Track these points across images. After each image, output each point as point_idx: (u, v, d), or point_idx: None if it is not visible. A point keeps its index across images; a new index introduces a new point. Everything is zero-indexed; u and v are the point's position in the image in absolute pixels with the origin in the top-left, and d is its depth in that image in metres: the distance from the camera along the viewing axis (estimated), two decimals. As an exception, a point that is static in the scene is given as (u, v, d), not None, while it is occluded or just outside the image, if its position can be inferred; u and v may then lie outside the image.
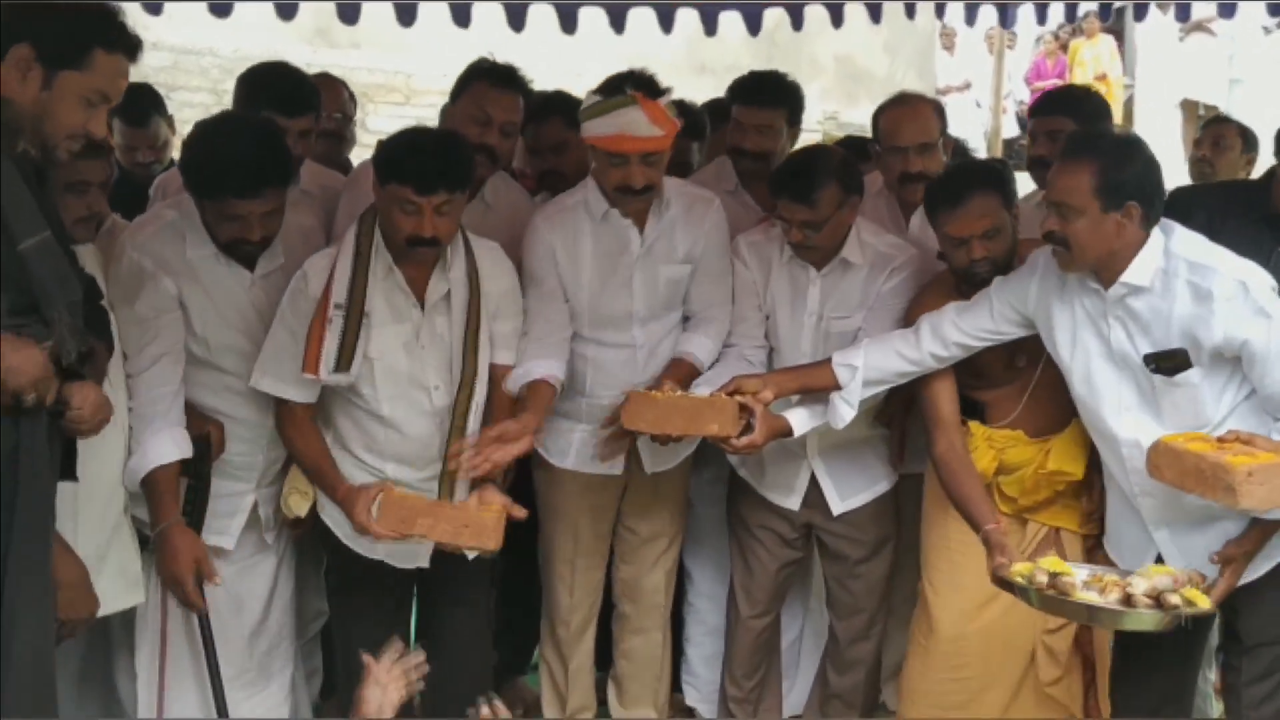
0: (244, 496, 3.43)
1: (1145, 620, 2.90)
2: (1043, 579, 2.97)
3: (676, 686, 4.18)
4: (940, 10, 6.02)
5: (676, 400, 3.36)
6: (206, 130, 3.28)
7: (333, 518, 3.40)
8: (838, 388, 3.42)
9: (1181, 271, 3.01)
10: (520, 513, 3.22)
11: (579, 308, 3.61)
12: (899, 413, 3.75)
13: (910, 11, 5.77)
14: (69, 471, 2.65)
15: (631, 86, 3.44)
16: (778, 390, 3.45)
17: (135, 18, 4.49)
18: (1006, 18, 6.04)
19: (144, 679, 3.37)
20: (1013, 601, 3.46)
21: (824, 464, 3.76)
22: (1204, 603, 2.91)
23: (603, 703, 4.08)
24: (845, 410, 3.43)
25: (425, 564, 3.43)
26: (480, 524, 3.08)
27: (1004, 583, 3.11)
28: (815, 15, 5.62)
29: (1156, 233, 3.05)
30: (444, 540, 3.11)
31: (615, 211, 3.59)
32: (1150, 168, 3.05)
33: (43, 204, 2.51)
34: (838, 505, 3.78)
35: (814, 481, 3.78)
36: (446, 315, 3.31)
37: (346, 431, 3.40)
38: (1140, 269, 3.03)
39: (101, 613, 2.98)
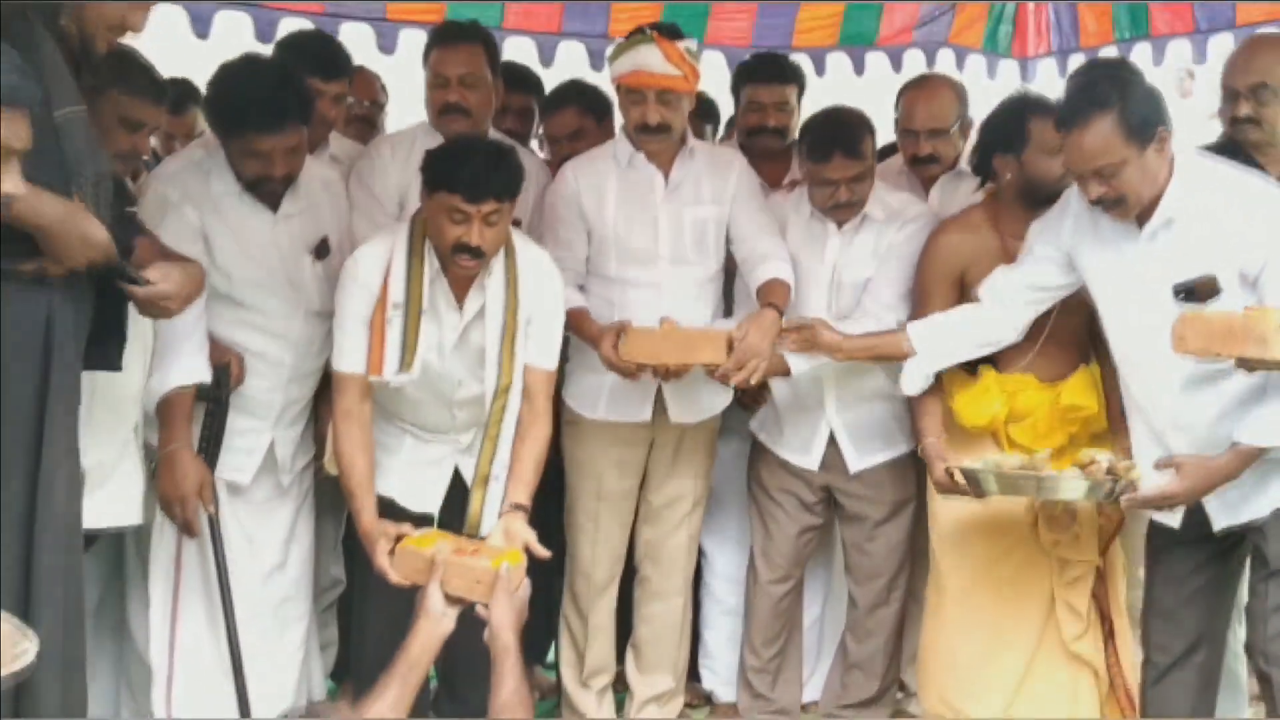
0: (261, 434, 3.47)
1: (1076, 488, 3.09)
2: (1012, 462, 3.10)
3: (694, 676, 4.13)
4: (959, 63, 6.17)
5: (673, 331, 3.50)
6: (229, 71, 3.39)
7: None
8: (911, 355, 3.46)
9: (1205, 195, 3.02)
10: (543, 552, 3.20)
11: (605, 244, 3.68)
12: None
13: (930, 61, 5.92)
14: (114, 360, 2.71)
15: (652, 29, 3.56)
16: (847, 355, 3.52)
17: (183, 48, 4.72)
18: (1026, 74, 6.22)
19: (157, 606, 3.38)
20: (1024, 560, 3.50)
21: (842, 421, 3.79)
22: (1135, 477, 3.09)
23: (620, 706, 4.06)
24: (918, 381, 3.46)
25: (434, 510, 3.45)
26: (492, 583, 3.00)
27: (952, 483, 3.28)
28: (837, 62, 5.80)
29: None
30: (458, 594, 3.06)
31: (641, 156, 3.68)
32: (1151, 88, 3.07)
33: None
34: (855, 463, 3.80)
35: (832, 442, 3.80)
36: (481, 323, 3.32)
37: (378, 393, 3.42)
38: (1171, 200, 3.04)
39: (94, 526, 2.94)
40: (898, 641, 3.96)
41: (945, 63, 6.02)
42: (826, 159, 3.61)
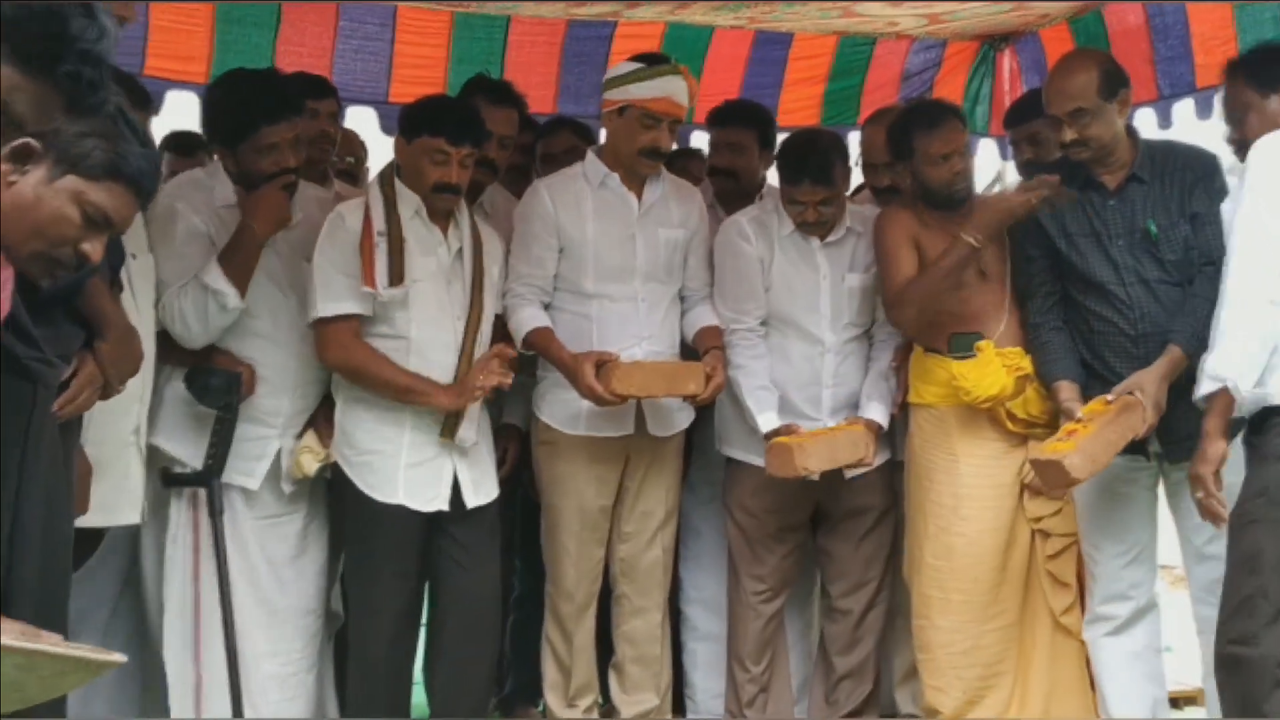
0: (269, 442, 3.61)
1: None
2: None
3: (678, 709, 4.19)
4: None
5: (657, 366, 3.74)
6: (221, 83, 3.73)
7: (351, 464, 3.59)
8: None
9: None
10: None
11: (584, 262, 3.83)
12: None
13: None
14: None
15: (675, 61, 3.85)
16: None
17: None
18: (1005, 151, 6.46)
19: (174, 614, 3.51)
20: (1012, 541, 3.72)
21: None
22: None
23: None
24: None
25: (444, 506, 3.59)
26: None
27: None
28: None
29: None
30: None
31: (615, 177, 3.87)
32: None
33: None
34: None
35: None
36: (461, 261, 3.66)
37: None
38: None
39: (90, 523, 3.05)
40: (882, 645, 4.05)
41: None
42: (797, 182, 3.84)
